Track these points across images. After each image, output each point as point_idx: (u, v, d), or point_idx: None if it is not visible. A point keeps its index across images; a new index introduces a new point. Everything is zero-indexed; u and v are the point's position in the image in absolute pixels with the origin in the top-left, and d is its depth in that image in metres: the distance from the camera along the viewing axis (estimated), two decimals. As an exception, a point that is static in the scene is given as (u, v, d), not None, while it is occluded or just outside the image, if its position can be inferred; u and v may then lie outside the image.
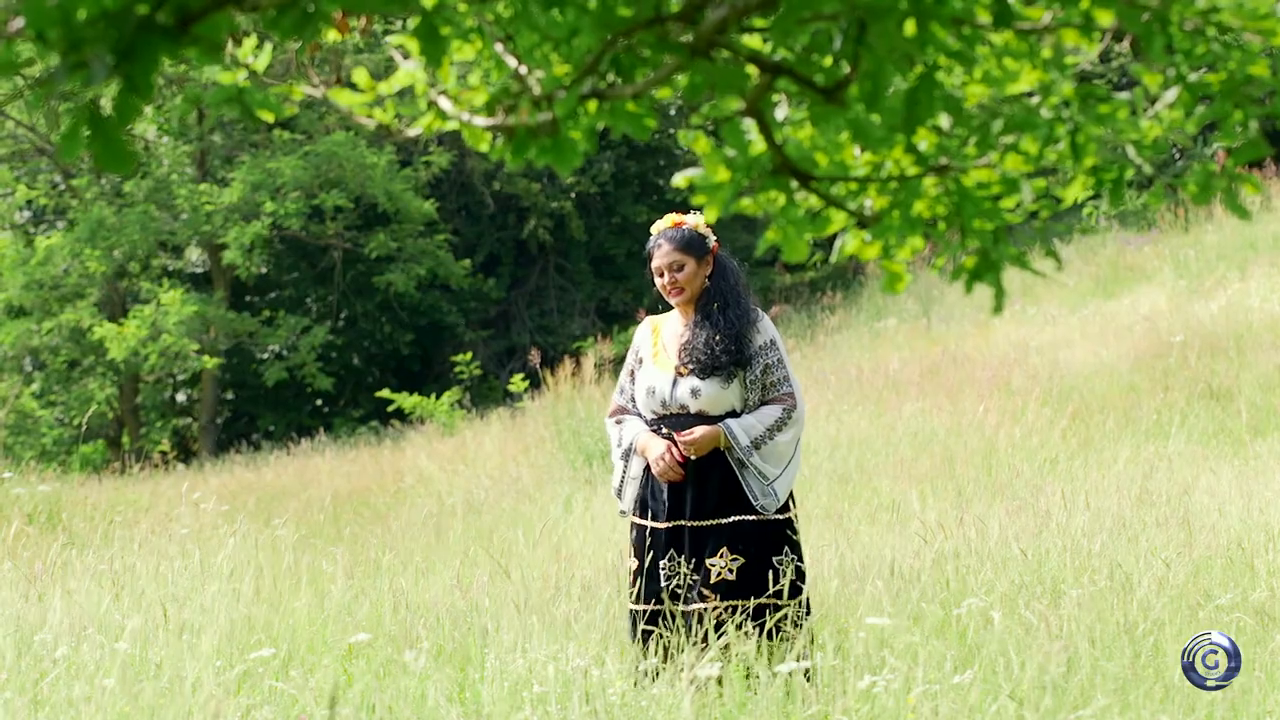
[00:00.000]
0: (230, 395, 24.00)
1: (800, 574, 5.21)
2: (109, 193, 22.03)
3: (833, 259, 2.91)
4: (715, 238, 5.47)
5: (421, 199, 22.27)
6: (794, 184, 2.76)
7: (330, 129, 22.10)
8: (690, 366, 5.29)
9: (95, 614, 5.48)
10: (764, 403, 5.31)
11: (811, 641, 4.98)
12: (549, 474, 12.24)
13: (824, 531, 7.84)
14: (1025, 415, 11.36)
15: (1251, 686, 4.41)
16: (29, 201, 22.78)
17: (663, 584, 5.17)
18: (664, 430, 5.29)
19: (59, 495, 11.62)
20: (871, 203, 2.80)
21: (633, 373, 5.51)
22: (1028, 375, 13.30)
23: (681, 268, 5.36)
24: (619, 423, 5.49)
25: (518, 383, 17.98)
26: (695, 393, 5.27)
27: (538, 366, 16.89)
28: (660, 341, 5.45)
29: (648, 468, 5.33)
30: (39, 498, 10.86)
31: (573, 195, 23.88)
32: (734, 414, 5.29)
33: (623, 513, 5.43)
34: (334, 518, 11.34)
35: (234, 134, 22.67)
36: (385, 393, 19.39)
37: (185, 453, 22.14)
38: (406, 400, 18.70)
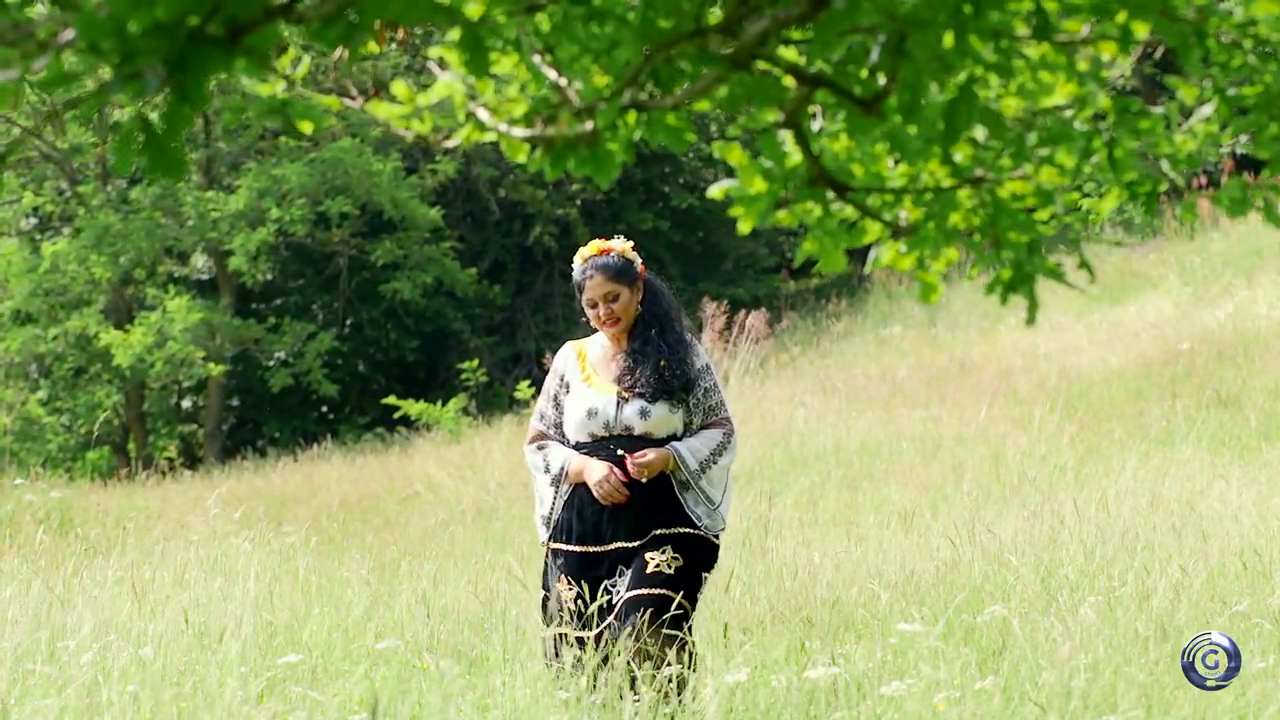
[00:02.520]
0: (236, 402, 24.00)
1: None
2: (115, 200, 22.05)
3: (867, 269, 2.93)
4: (641, 261, 5.30)
5: (427, 206, 22.27)
6: (830, 195, 2.78)
7: (336, 135, 22.12)
8: (639, 390, 5.08)
9: (116, 620, 5.50)
10: (704, 426, 5.16)
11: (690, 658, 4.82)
12: (558, 480, 12.23)
13: (837, 538, 7.85)
14: (1033, 422, 11.36)
15: (1274, 693, 4.43)
16: (35, 208, 22.80)
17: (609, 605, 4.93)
18: (619, 451, 5.06)
19: (70, 502, 11.64)
20: (907, 214, 2.82)
21: (556, 398, 5.25)
22: (1035, 382, 13.31)
23: (616, 298, 5.17)
24: (541, 449, 5.22)
25: (524, 389, 17.97)
26: (644, 414, 5.08)
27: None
28: (590, 365, 5.23)
29: (573, 493, 5.09)
30: (50, 504, 10.88)
31: (578, 202, 23.89)
32: (676, 437, 5.11)
33: (544, 544, 5.14)
34: (344, 524, 11.35)
35: (240, 141, 22.69)
36: (392, 399, 19.38)
37: (191, 459, 22.15)
38: (413, 407, 18.67)
